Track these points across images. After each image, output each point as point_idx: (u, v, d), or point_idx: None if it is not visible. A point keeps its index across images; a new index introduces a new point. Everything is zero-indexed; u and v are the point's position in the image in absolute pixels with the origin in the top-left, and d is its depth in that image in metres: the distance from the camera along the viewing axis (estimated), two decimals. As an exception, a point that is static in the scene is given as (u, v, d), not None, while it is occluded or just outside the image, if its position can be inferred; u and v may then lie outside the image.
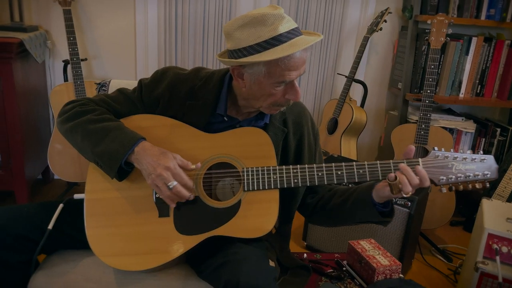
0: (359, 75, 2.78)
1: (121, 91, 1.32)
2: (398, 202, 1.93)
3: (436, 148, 1.16)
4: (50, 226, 1.21)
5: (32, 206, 1.28)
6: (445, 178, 1.14)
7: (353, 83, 2.59)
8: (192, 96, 1.28)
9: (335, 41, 2.83)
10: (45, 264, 1.26)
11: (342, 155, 2.47)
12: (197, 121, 1.26)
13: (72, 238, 1.27)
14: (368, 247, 1.50)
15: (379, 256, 1.45)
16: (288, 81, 1.15)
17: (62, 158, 2.40)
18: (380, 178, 1.16)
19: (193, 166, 1.17)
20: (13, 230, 1.18)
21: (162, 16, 2.62)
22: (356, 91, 2.85)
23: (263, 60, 1.10)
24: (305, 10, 2.74)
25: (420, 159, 1.15)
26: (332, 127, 2.63)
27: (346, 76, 2.60)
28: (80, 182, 2.56)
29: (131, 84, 1.69)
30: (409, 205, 1.92)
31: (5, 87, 2.17)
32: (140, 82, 1.32)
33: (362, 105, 2.68)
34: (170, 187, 1.12)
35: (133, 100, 1.30)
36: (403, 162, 1.14)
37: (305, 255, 1.58)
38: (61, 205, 1.25)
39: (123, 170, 1.18)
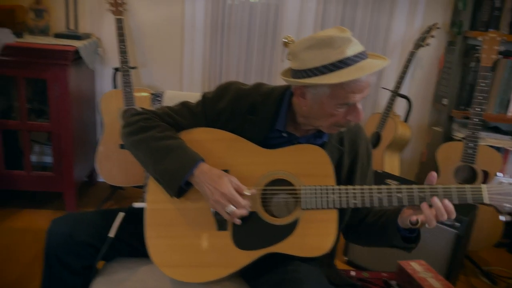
0: (402, 90, 2.75)
1: (184, 104, 1.35)
2: (445, 222, 1.90)
3: (499, 174, 1.14)
4: (111, 234, 1.25)
5: (94, 213, 1.33)
6: (509, 205, 1.12)
7: (397, 98, 2.56)
8: (253, 111, 1.30)
9: (379, 54, 2.81)
10: (104, 270, 1.30)
11: (385, 170, 2.45)
12: (255, 136, 1.28)
13: (130, 246, 1.31)
14: (419, 269, 1.48)
15: (431, 279, 1.43)
16: (351, 103, 1.16)
17: (109, 162, 2.47)
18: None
19: (248, 193, 1.20)
20: (77, 237, 1.23)
21: (208, 26, 2.68)
22: (399, 106, 2.82)
23: (329, 82, 1.11)
24: (350, 21, 2.74)
25: (484, 186, 1.13)
26: (375, 141, 2.61)
27: (390, 91, 2.57)
28: (125, 186, 2.63)
29: (183, 95, 1.74)
30: (458, 226, 1.88)
31: (60, 92, 2.26)
32: (203, 95, 1.35)
33: (406, 120, 2.65)
34: (228, 212, 1.16)
35: (196, 113, 1.33)
36: (464, 189, 1.13)
37: (353, 272, 1.58)
38: (122, 214, 1.29)
39: (182, 189, 1.22)
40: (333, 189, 1.20)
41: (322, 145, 1.29)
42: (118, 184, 2.54)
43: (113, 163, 2.48)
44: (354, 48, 1.12)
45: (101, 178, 2.71)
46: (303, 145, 1.28)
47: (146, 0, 2.61)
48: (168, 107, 1.35)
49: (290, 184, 1.24)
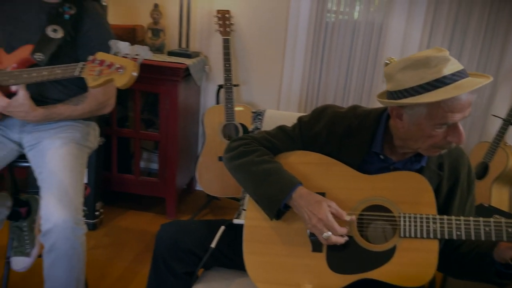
0: (516, 118, 2.54)
1: (281, 128, 1.40)
2: None
3: None
4: (213, 245, 1.33)
5: (199, 223, 1.43)
6: None
7: (510, 127, 2.37)
8: (349, 134, 1.30)
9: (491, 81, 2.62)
10: (203, 278, 1.38)
11: (492, 204, 2.27)
12: (352, 160, 1.29)
13: (228, 258, 1.38)
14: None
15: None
16: (450, 123, 1.11)
17: (209, 172, 2.61)
18: None
19: (348, 218, 1.20)
20: (183, 244, 1.33)
21: (310, 45, 2.70)
22: (510, 136, 2.60)
23: (425, 101, 1.08)
24: (459, 45, 2.60)
25: None
26: (481, 172, 2.43)
27: (502, 119, 2.39)
28: (221, 197, 2.76)
29: (284, 115, 1.79)
30: None
31: (170, 106, 2.45)
32: (299, 119, 1.39)
33: (519, 151, 2.43)
34: (325, 237, 1.17)
35: (292, 137, 1.37)
36: None
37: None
38: (222, 227, 1.37)
39: (281, 211, 1.26)
40: (434, 218, 1.16)
41: (420, 170, 1.26)
42: (214, 194, 2.66)
43: (212, 174, 2.61)
44: (451, 67, 1.08)
45: (199, 187, 2.87)
46: (402, 171, 1.25)
47: (252, 21, 2.73)
48: (266, 132, 1.41)
49: (388, 210, 1.22)
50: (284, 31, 2.71)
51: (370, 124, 1.29)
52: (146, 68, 2.36)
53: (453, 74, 1.08)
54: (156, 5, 2.64)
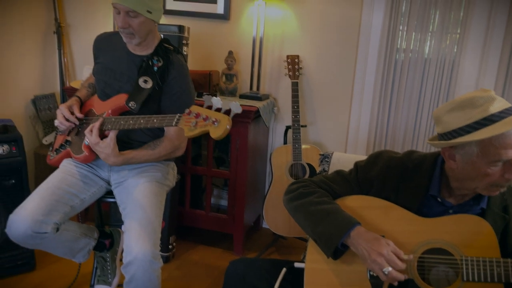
0: None
1: (338, 172, 1.46)
2: None
3: None
4: (276, 286, 1.38)
5: (264, 261, 1.49)
6: None
7: None
8: (405, 178, 1.33)
9: None
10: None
11: None
12: (409, 203, 1.31)
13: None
14: None
15: None
16: (505, 160, 1.11)
17: (276, 211, 2.68)
18: None
19: (406, 257, 1.21)
20: (249, 279, 1.40)
21: (378, 85, 2.72)
22: None
23: (474, 139, 1.10)
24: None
25: None
26: None
27: None
28: (286, 236, 2.80)
29: (351, 158, 1.82)
30: None
31: (240, 146, 2.58)
32: (356, 164, 1.44)
33: None
34: (385, 273, 1.18)
35: (349, 181, 1.42)
36: None
37: None
38: (284, 269, 1.42)
39: (339, 250, 1.29)
40: (498, 262, 1.14)
41: (482, 213, 1.25)
42: (280, 233, 2.71)
43: (279, 213, 2.67)
44: (498, 105, 1.10)
45: (265, 225, 2.93)
46: (462, 215, 1.25)
47: (320, 64, 2.83)
48: (324, 175, 1.48)
49: (449, 253, 1.21)
50: (352, 72, 2.77)
51: (426, 168, 1.31)
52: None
53: (501, 112, 1.10)
54: (230, 52, 2.83)
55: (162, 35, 1.90)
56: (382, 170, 1.37)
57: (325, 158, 1.86)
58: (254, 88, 2.85)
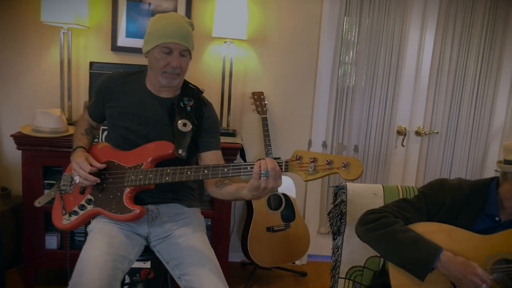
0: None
1: (405, 201, 1.64)
2: None
3: None
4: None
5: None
6: None
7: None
8: (467, 202, 1.57)
9: None
10: None
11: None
12: (467, 223, 1.54)
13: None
14: None
15: None
16: None
17: (260, 244, 2.72)
18: None
19: (491, 277, 1.43)
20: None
21: (330, 128, 3.03)
22: None
23: None
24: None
25: None
26: None
27: None
28: (271, 267, 2.85)
29: (365, 187, 1.97)
30: None
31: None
32: (421, 192, 1.64)
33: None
34: None
35: (418, 208, 1.60)
36: None
37: None
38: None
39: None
40: None
41: None
42: (266, 265, 2.75)
43: (262, 245, 2.72)
44: None
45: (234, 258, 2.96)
46: None
47: (281, 98, 3.01)
48: (393, 204, 1.63)
49: None
50: (310, 104, 3.02)
51: (483, 192, 1.58)
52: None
53: None
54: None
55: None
56: (448, 196, 1.58)
57: (341, 189, 2.00)
58: (224, 125, 2.88)
